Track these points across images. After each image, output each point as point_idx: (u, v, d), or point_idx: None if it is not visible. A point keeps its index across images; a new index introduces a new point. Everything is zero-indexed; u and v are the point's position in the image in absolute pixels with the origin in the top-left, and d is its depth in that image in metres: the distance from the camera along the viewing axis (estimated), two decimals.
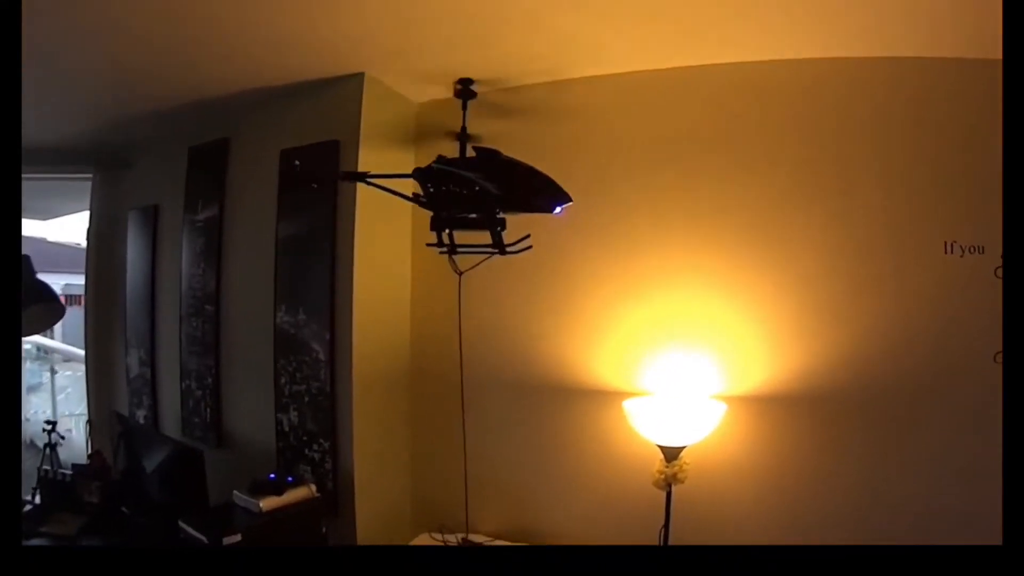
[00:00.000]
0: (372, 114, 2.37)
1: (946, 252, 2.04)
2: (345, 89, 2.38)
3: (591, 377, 2.30)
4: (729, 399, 2.14)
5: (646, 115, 2.32)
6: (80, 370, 5.09)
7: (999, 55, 1.95)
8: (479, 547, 2.33)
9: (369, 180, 1.61)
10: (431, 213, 1.81)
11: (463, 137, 1.57)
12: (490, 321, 2.45)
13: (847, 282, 2.11)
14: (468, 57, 2.20)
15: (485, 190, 1.37)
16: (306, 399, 2.39)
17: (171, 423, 3.00)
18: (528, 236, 1.86)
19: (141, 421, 3.11)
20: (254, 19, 1.90)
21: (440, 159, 1.51)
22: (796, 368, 2.13)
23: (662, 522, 2.08)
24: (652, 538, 2.10)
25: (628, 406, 2.12)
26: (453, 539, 2.37)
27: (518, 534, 2.40)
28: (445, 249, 1.60)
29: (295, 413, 2.43)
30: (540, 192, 1.41)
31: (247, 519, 2.08)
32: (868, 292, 2.09)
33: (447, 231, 1.52)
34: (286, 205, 2.48)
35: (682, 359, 2.21)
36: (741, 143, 2.21)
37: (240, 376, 2.68)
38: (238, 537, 1.99)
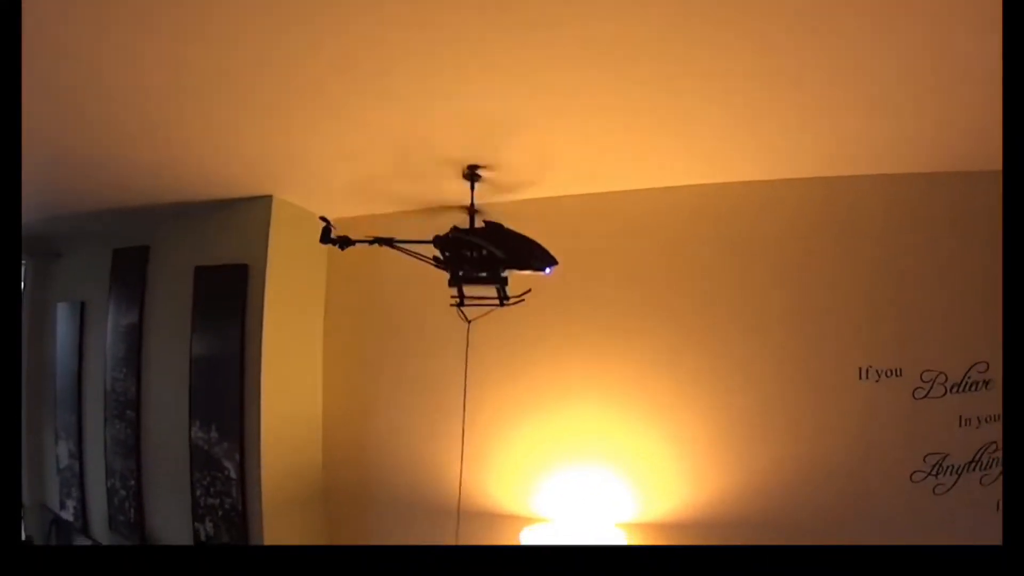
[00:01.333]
0: (281, 236, 2.46)
1: (861, 378, 2.06)
2: (254, 210, 2.47)
3: (485, 500, 2.37)
4: (639, 526, 2.16)
5: (557, 232, 2.28)
6: None
7: (919, 169, 1.98)
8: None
9: (396, 244, 1.84)
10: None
11: (472, 211, 1.90)
12: (395, 442, 2.55)
13: (763, 407, 2.12)
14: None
15: (492, 254, 1.68)
16: (220, 513, 2.48)
17: (99, 518, 3.06)
18: (529, 291, 1.96)
19: (71, 513, 3.17)
20: (175, 136, 1.91)
21: (455, 229, 1.78)
22: (711, 494, 2.13)
23: None
24: None
25: (525, 535, 2.16)
26: None
27: None
28: (457, 302, 1.84)
29: (210, 524, 2.52)
30: (536, 256, 1.73)
31: None
32: (784, 418, 2.10)
33: (460, 287, 1.80)
34: (200, 323, 2.56)
35: (584, 482, 2.23)
36: (657, 265, 2.25)
37: (161, 481, 2.75)
38: None
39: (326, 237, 1.85)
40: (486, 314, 2.00)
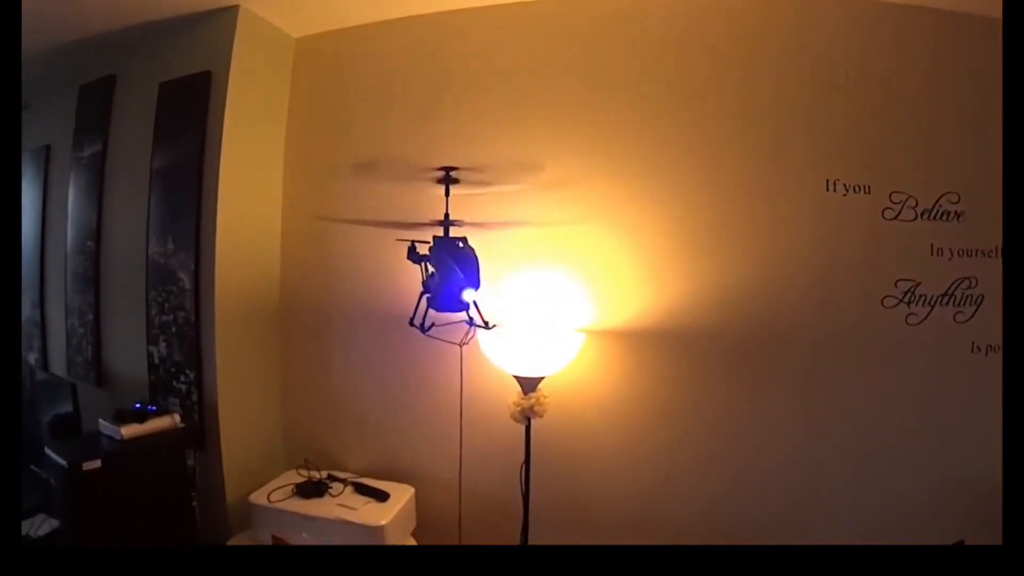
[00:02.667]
0: (245, 47, 2.36)
1: (827, 190, 1.98)
2: (219, 22, 2.37)
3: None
4: (597, 332, 2.13)
5: (514, 44, 2.29)
6: None
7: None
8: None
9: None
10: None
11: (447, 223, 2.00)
12: (352, 260, 2.46)
13: (723, 216, 2.05)
14: None
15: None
16: (173, 330, 2.38)
17: (58, 364, 2.97)
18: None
19: (31, 363, 3.08)
20: None
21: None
22: (671, 303, 2.09)
23: (523, 457, 2.10)
24: (513, 475, 2.12)
25: (482, 338, 2.12)
26: (318, 475, 2.39)
27: (382, 472, 2.42)
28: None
29: (164, 344, 2.42)
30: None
31: (109, 446, 2.09)
32: (745, 228, 2.03)
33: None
34: (161, 137, 2.46)
35: (544, 285, 2.17)
36: (616, 66, 2.16)
37: (118, 311, 2.66)
38: (98, 463, 1.99)
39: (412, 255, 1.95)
40: None
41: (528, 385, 2.05)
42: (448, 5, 2.33)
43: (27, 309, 3.15)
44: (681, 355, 2.10)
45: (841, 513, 2.03)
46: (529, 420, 2.06)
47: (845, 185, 1.97)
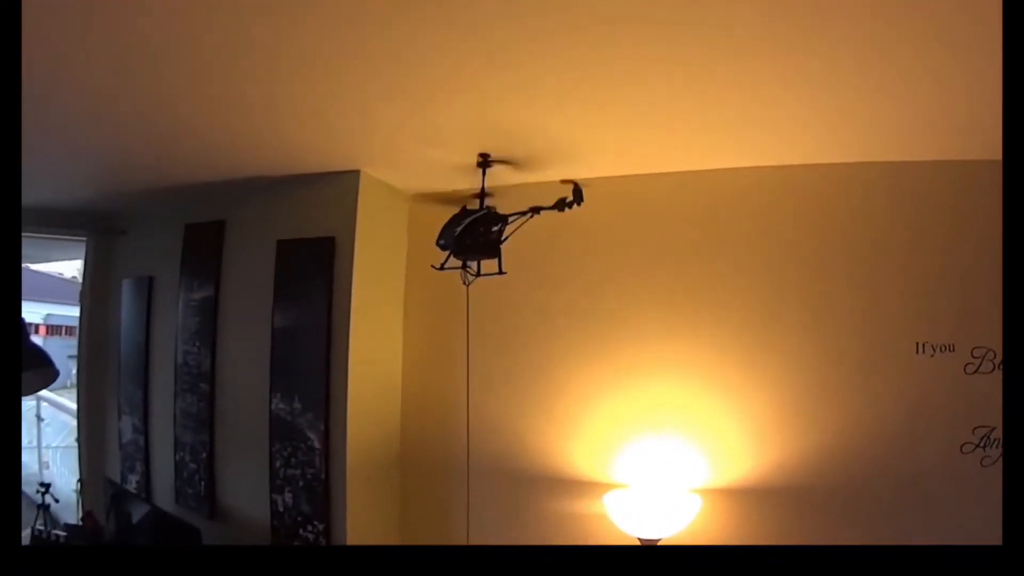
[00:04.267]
0: (367, 210, 2.49)
1: (917, 352, 2.15)
2: (341, 185, 2.50)
3: (570, 468, 2.43)
4: (708, 491, 2.26)
5: (631, 217, 2.47)
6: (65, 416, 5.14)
7: (967, 155, 2.10)
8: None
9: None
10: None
11: (482, 196, 2.20)
12: (477, 413, 2.58)
13: (823, 381, 2.21)
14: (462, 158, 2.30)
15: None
16: (300, 483, 2.50)
17: (164, 492, 3.07)
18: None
19: (133, 487, 3.18)
20: (257, 107, 1.91)
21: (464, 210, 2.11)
22: (776, 462, 2.22)
23: None
24: None
25: (608, 499, 2.25)
26: None
27: None
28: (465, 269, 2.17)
29: (289, 495, 2.53)
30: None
31: None
32: (844, 391, 2.19)
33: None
34: (282, 296, 2.59)
35: (660, 450, 2.32)
36: (722, 246, 2.34)
37: (235, 454, 2.77)
38: None
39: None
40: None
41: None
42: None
43: (128, 433, 3.25)
44: (783, 510, 2.22)
45: None
46: None
47: (933, 346, 2.14)
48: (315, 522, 2.48)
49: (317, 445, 2.45)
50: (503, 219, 2.14)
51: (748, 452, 2.27)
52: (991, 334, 2.08)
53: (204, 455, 2.85)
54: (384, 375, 2.63)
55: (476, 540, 2.57)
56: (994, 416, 2.06)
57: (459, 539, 2.59)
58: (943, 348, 2.13)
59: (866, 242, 2.22)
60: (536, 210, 2.11)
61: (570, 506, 2.41)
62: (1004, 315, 1.12)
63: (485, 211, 2.15)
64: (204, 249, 2.94)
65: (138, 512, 2.84)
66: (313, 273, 2.51)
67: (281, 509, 2.57)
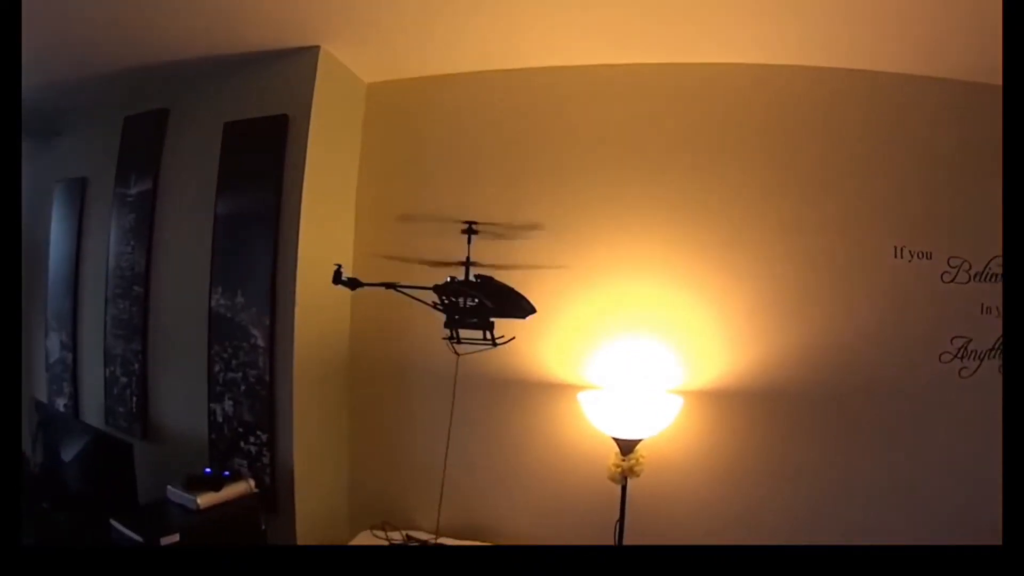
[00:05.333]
0: (324, 90, 2.25)
1: (895, 256, 2.13)
2: (298, 62, 2.25)
3: (541, 369, 2.24)
4: (685, 393, 2.13)
5: (608, 109, 2.28)
6: None
7: (947, 73, 2.13)
8: (427, 546, 2.23)
9: (399, 288, 1.99)
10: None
11: (467, 264, 2.03)
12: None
13: (801, 281, 2.15)
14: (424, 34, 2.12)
15: (484, 303, 1.93)
16: (242, 388, 2.24)
17: (93, 412, 2.78)
18: (514, 338, 2.01)
19: (61, 409, 2.88)
20: None
21: (452, 279, 1.99)
22: (752, 364, 2.14)
23: (617, 516, 2.04)
24: (607, 533, 2.06)
25: (583, 398, 2.07)
26: (397, 536, 2.27)
27: (465, 531, 2.31)
28: (453, 339, 2.00)
29: (230, 403, 2.27)
30: (518, 306, 1.94)
31: (184, 517, 1.95)
32: (821, 293, 2.14)
33: (455, 329, 1.99)
34: (227, 181, 2.33)
35: (636, 351, 2.17)
36: (702, 143, 2.22)
37: (170, 362, 2.50)
38: (176, 537, 1.85)
39: (337, 278, 1.96)
40: (478, 352, 2.05)
41: (626, 447, 2.02)
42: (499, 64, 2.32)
43: (56, 350, 2.94)
44: (760, 413, 2.14)
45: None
46: (626, 480, 2.02)
47: (911, 252, 2.13)
48: (258, 432, 2.22)
49: (261, 343, 2.19)
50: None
51: (724, 353, 2.16)
52: (967, 244, 2.11)
53: (136, 366, 2.56)
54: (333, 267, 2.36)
55: (433, 453, 2.35)
56: (971, 328, 2.10)
57: (413, 451, 2.37)
58: (920, 255, 2.13)
59: (845, 146, 2.17)
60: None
61: (542, 409, 2.22)
62: (1004, 315, 1.22)
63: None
64: (144, 142, 2.65)
65: (66, 436, 2.55)
66: (262, 156, 2.25)
67: (220, 419, 2.31)
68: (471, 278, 1.98)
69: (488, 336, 1.98)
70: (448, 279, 2.00)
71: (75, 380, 2.87)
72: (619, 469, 2.01)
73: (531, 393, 2.21)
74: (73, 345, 2.87)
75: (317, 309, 2.24)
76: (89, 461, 2.39)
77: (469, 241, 1.99)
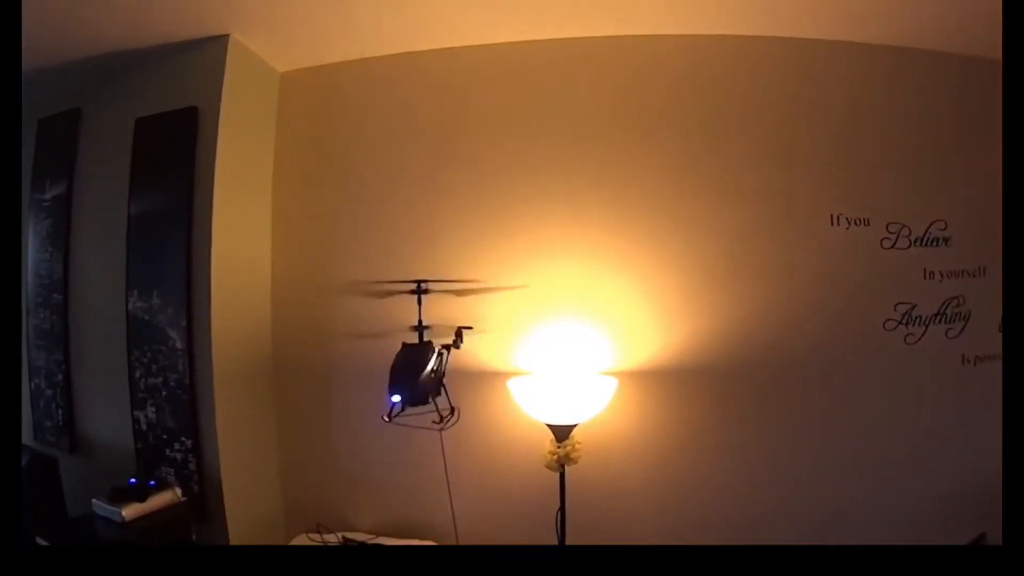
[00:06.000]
0: (235, 80, 2.17)
1: (832, 224, 2.10)
2: (207, 52, 2.17)
3: (470, 358, 2.17)
4: (618, 374, 2.08)
5: (526, 86, 2.23)
6: None
7: (882, 40, 2.10)
8: (369, 546, 2.16)
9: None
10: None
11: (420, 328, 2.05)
12: (355, 309, 2.29)
13: (732, 256, 2.10)
14: (339, 18, 2.05)
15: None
16: (163, 393, 2.15)
17: (24, 428, 2.66)
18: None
19: None
20: None
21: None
22: (685, 342, 2.10)
23: (558, 505, 1.99)
24: (549, 524, 2.00)
25: (512, 385, 2.01)
26: (333, 539, 2.20)
27: (404, 530, 2.25)
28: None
29: (152, 409, 2.19)
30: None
31: (110, 530, 1.89)
32: (754, 265, 2.10)
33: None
34: (140, 179, 2.24)
35: (566, 335, 2.12)
36: (628, 117, 2.17)
37: (93, 371, 2.40)
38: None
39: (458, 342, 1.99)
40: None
41: (561, 433, 1.96)
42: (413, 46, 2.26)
43: None
44: (696, 391, 2.12)
45: (860, 525, 2.08)
46: (564, 467, 1.96)
47: (847, 219, 2.10)
48: (182, 438, 2.14)
49: (179, 345, 2.10)
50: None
51: (656, 332, 2.12)
52: (906, 209, 2.10)
53: (60, 377, 2.46)
54: (252, 262, 2.29)
55: (365, 451, 2.28)
56: (914, 293, 2.09)
57: (344, 451, 2.30)
58: (858, 221, 2.11)
59: (775, 115, 2.14)
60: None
61: (474, 400, 2.15)
62: (1004, 315, 1.21)
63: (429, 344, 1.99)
64: (57, 144, 2.54)
65: None
66: (173, 151, 2.16)
67: (145, 427, 2.22)
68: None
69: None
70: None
71: None
72: (555, 456, 1.96)
73: (462, 384, 2.14)
74: None
75: (235, 309, 2.16)
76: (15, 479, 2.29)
77: (420, 302, 2.04)
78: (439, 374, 1.98)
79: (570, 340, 2.11)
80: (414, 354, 1.94)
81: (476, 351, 2.16)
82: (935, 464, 2.09)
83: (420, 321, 2.12)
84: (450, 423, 2.03)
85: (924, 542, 1.97)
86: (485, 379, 2.16)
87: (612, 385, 2.00)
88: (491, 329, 2.17)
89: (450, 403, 2.05)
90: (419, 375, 1.86)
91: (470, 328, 2.08)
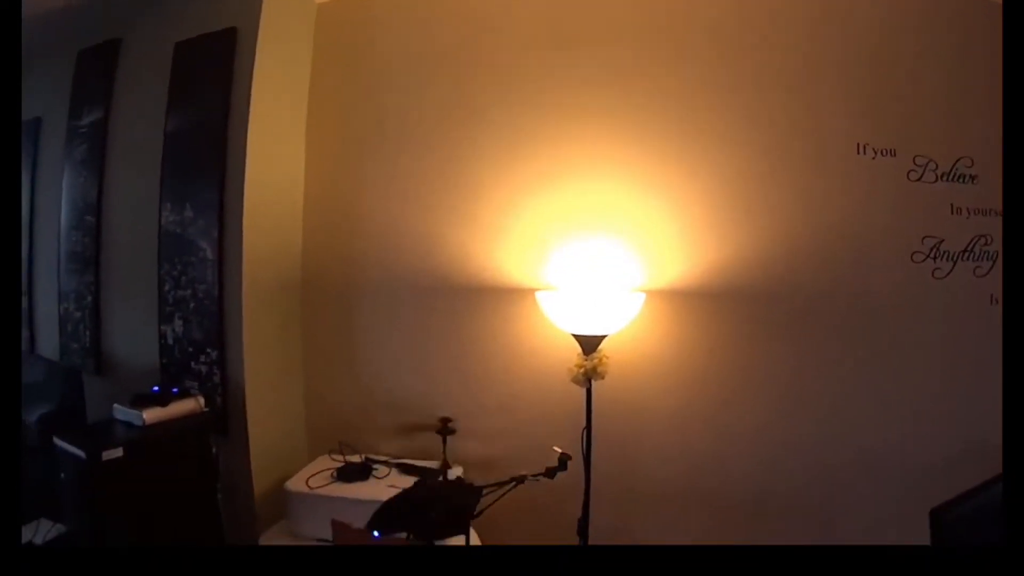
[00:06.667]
0: (274, 4, 2.21)
1: (859, 153, 2.07)
2: None
3: (497, 274, 2.18)
4: (645, 292, 2.07)
5: (562, 11, 2.22)
6: None
7: None
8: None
9: None
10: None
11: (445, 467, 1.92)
12: (389, 225, 2.30)
13: (761, 179, 2.08)
14: None
15: None
16: (192, 305, 2.18)
17: (48, 352, 2.71)
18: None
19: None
20: None
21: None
22: (712, 263, 2.08)
23: (583, 424, 1.97)
24: (575, 441, 1.98)
25: (541, 297, 2.01)
26: (356, 458, 2.20)
27: (428, 451, 2.24)
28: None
29: (180, 322, 2.21)
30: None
31: (129, 433, 1.88)
32: (783, 191, 2.07)
33: None
34: (177, 99, 2.28)
35: (593, 251, 2.11)
36: (661, 31, 2.15)
37: (122, 290, 2.44)
38: (119, 451, 1.78)
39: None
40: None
41: (589, 346, 1.95)
42: None
43: None
44: (722, 313, 2.09)
45: (881, 462, 2.04)
46: (591, 382, 1.95)
47: (874, 149, 2.06)
48: (208, 350, 2.16)
49: (210, 255, 2.13)
50: (477, 491, 1.50)
51: (684, 252, 2.09)
52: (932, 144, 2.05)
53: (89, 299, 2.50)
54: (285, 179, 2.31)
55: (392, 368, 2.29)
56: (942, 228, 2.05)
57: (371, 368, 2.30)
58: (884, 152, 2.07)
59: (805, 42, 2.09)
60: (521, 479, 1.54)
61: (502, 314, 2.16)
62: (1004, 312, 1.18)
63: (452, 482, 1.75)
64: (96, 74, 2.60)
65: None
66: (211, 71, 2.20)
67: (171, 342, 2.24)
68: None
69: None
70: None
71: (31, 322, 2.80)
72: (582, 369, 1.93)
73: (490, 299, 2.15)
74: (28, 286, 2.80)
75: (267, 225, 2.19)
76: (38, 392, 2.31)
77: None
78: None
79: (598, 256, 2.10)
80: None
81: (504, 265, 2.17)
82: (960, 401, 2.04)
83: None
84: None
85: (943, 482, 1.92)
86: (512, 295, 2.16)
87: (639, 300, 1.98)
88: (519, 244, 2.17)
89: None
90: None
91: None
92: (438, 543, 1.54)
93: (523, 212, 2.18)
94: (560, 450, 1.64)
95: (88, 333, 2.51)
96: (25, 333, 2.80)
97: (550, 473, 1.59)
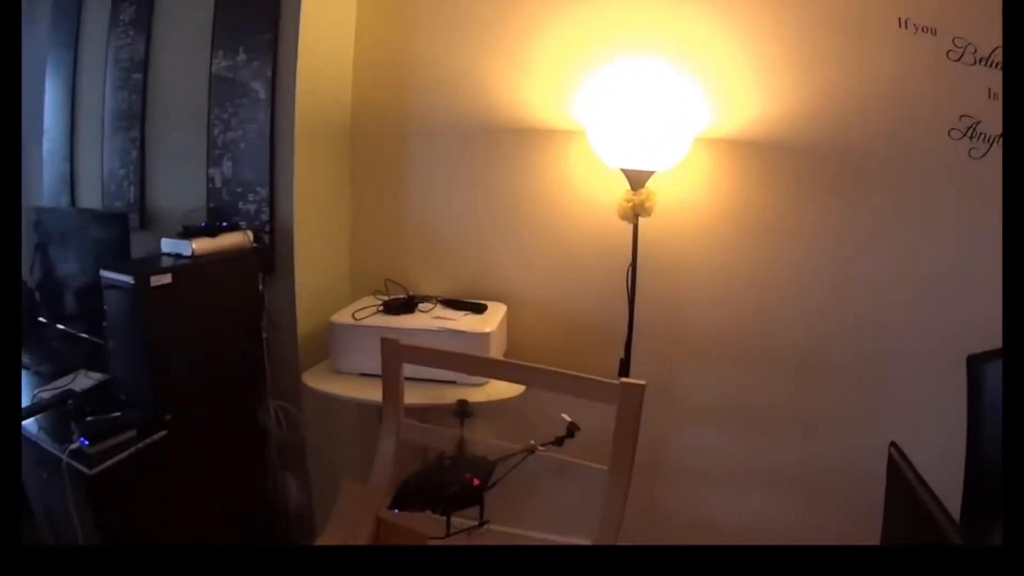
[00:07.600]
0: None
1: (900, 27, 2.08)
2: None
3: (539, 112, 2.22)
4: (709, 138, 2.08)
5: None
6: None
7: None
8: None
9: None
10: None
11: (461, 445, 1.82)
12: (434, 76, 2.35)
13: (807, 38, 2.08)
14: None
15: None
16: (242, 146, 2.24)
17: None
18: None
19: (62, 206, 2.85)
20: None
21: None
22: (784, 109, 2.08)
23: (629, 261, 2.04)
24: (619, 281, 2.06)
25: (589, 128, 2.03)
26: (400, 294, 2.27)
27: (472, 290, 2.33)
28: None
29: (229, 164, 2.27)
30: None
31: (178, 262, 1.93)
32: (829, 50, 2.08)
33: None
34: None
35: (649, 80, 2.04)
36: None
37: (169, 143, 2.50)
38: (168, 278, 1.84)
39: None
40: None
41: (637, 181, 1.98)
42: None
43: (58, 165, 2.91)
44: (773, 164, 2.12)
45: (912, 328, 2.09)
46: (637, 218, 2.00)
47: (915, 25, 2.07)
48: (257, 188, 2.22)
49: (263, 95, 2.19)
50: (490, 465, 1.65)
51: (753, 95, 2.07)
52: (972, 28, 2.05)
53: (134, 154, 2.55)
54: (337, 22, 2.36)
55: (438, 211, 2.36)
56: (978, 109, 2.06)
57: (416, 210, 2.37)
58: (925, 29, 2.08)
59: None
60: (531, 449, 1.68)
61: (545, 153, 2.22)
62: (1004, 312, 1.13)
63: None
64: None
65: (62, 239, 2.50)
66: None
67: (219, 184, 2.30)
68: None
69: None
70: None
71: (73, 188, 2.84)
72: (630, 204, 1.97)
73: (533, 137, 2.21)
74: (71, 156, 2.85)
75: (320, 63, 2.24)
76: (84, 243, 2.36)
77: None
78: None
79: (655, 87, 2.02)
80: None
81: (526, 103, 2.22)
82: (974, 274, 2.08)
83: None
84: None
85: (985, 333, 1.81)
86: (557, 133, 2.21)
87: (689, 138, 1.98)
88: (557, 72, 2.19)
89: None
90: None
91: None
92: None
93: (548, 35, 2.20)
94: (569, 418, 1.70)
95: (132, 189, 2.56)
96: (67, 201, 2.85)
97: (559, 441, 1.68)
